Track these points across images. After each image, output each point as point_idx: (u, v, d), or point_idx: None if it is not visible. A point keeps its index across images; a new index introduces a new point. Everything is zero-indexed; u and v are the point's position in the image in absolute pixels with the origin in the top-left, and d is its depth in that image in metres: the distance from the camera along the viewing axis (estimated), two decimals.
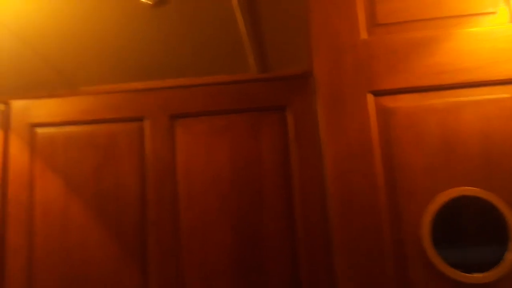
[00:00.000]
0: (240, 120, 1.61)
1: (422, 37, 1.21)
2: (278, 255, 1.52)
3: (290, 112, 1.59)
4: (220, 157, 1.59)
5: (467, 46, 1.20)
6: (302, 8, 1.31)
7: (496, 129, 1.15)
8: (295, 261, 1.51)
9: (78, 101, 1.65)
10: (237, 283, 1.52)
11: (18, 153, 1.63)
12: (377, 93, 1.20)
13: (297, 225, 1.53)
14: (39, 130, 1.64)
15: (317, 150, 1.39)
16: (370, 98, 1.19)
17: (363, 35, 1.24)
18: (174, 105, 1.62)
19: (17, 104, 1.65)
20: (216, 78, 1.70)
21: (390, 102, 1.19)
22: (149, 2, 1.61)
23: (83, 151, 1.62)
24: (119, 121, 1.63)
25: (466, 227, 1.13)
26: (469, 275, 1.09)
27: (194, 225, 1.58)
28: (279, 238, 1.53)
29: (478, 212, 1.13)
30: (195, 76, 2.03)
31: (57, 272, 1.59)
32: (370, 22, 1.25)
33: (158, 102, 1.63)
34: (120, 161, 1.62)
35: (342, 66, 1.21)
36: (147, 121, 1.62)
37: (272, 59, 2.09)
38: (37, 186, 1.62)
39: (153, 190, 1.59)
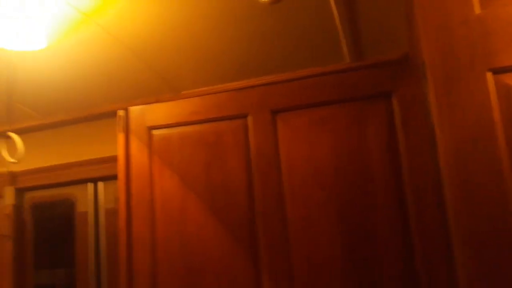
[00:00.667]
0: (341, 110, 1.58)
1: None
2: (390, 246, 1.47)
3: (395, 98, 1.52)
4: (322, 149, 1.59)
5: None
6: None
7: None
8: (410, 252, 1.45)
9: (188, 103, 1.76)
10: (347, 275, 1.50)
11: (138, 153, 1.79)
12: (497, 71, 1.09)
13: (409, 214, 1.46)
14: (155, 132, 1.79)
15: (428, 136, 1.31)
16: (489, 76, 1.09)
17: (476, 10, 1.14)
18: (274, 100, 1.65)
19: (135, 110, 1.81)
20: (313, 70, 1.69)
21: None
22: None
23: (194, 149, 1.73)
24: (225, 119, 1.70)
25: None
26: None
27: (300, 217, 1.59)
28: (390, 229, 1.48)
29: None
30: (291, 71, 2.04)
31: (177, 261, 1.71)
32: None
33: (259, 98, 1.67)
34: (227, 157, 1.69)
35: (455, 45, 1.12)
36: (250, 117, 1.67)
37: (366, 46, 2.01)
38: (156, 182, 1.77)
39: (259, 184, 1.64)
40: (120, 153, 1.79)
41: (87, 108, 2.45)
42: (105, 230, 2.82)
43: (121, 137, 1.80)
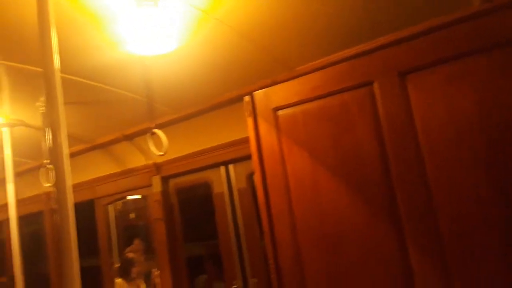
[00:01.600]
0: (481, 61, 1.40)
1: None
2: None
3: None
4: (463, 106, 1.43)
5: None
6: None
7: None
8: None
9: (307, 80, 1.74)
10: (500, 238, 1.36)
11: (266, 134, 1.85)
12: None
13: None
14: (280, 113, 1.81)
15: None
16: None
17: None
18: (401, 61, 1.53)
19: (259, 94, 1.87)
20: (440, 20, 1.51)
21: None
22: None
23: (320, 124, 1.71)
24: (348, 89, 1.64)
25: None
26: None
27: (443, 180, 1.47)
28: None
29: None
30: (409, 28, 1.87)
31: (314, 231, 1.74)
32: None
33: (383, 61, 1.57)
34: (355, 127, 1.64)
35: None
36: (376, 83, 1.59)
37: None
38: (286, 159, 1.80)
39: (393, 150, 1.55)
40: (251, 136, 1.87)
41: (212, 98, 2.61)
42: (240, 206, 3.02)
43: (250, 121, 1.87)
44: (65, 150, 1.23)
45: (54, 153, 1.22)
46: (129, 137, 3.17)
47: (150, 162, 3.32)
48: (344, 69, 1.67)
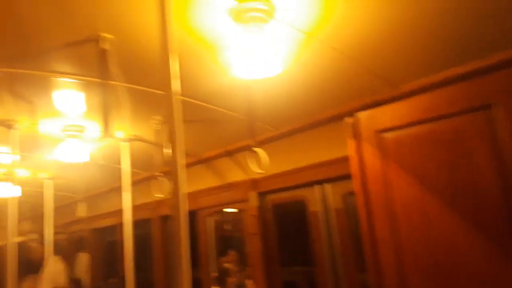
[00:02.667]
0: None
1: None
2: None
3: None
4: None
5: None
6: None
7: None
8: None
9: (416, 102, 1.65)
10: None
11: (370, 157, 1.79)
12: None
13: None
14: (385, 135, 1.74)
15: None
16: None
17: None
18: None
19: (362, 115, 1.82)
20: None
21: None
22: None
23: (430, 149, 1.60)
24: (463, 113, 1.52)
25: None
26: None
27: None
28: None
29: None
30: None
31: (423, 261, 1.62)
32: None
33: (507, 83, 1.43)
34: (471, 153, 1.50)
35: None
36: (496, 106, 1.44)
37: None
38: (393, 185, 1.71)
39: None
40: (353, 158, 1.82)
41: (310, 116, 2.61)
42: (337, 228, 2.93)
43: (351, 143, 1.83)
44: (182, 162, 1.33)
45: (173, 165, 1.31)
46: (230, 153, 3.32)
47: (248, 177, 3.42)
48: (458, 90, 1.55)
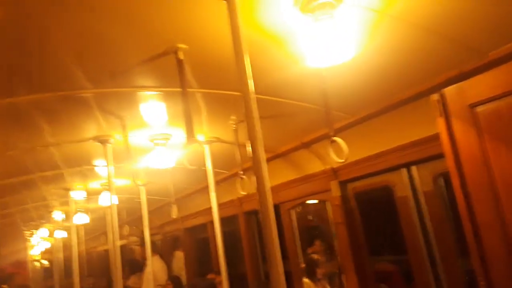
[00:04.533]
0: None
1: None
2: None
3: None
4: None
5: None
6: None
7: None
8: None
9: (510, 68, 1.48)
10: None
11: (462, 134, 1.64)
12: None
13: None
14: (479, 109, 1.59)
15: None
16: None
17: None
18: None
19: (450, 90, 1.67)
20: None
21: None
22: None
23: None
24: None
25: None
26: None
27: None
28: None
29: None
30: None
31: None
32: None
33: None
34: None
35: None
36: None
37: None
38: (491, 162, 1.55)
39: None
40: (444, 137, 1.68)
41: (389, 98, 2.47)
42: (428, 212, 2.75)
43: (441, 121, 1.69)
44: (263, 158, 1.36)
45: (255, 161, 1.35)
46: (306, 145, 3.28)
47: (328, 167, 3.36)
48: None
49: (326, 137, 2.98)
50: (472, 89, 1.60)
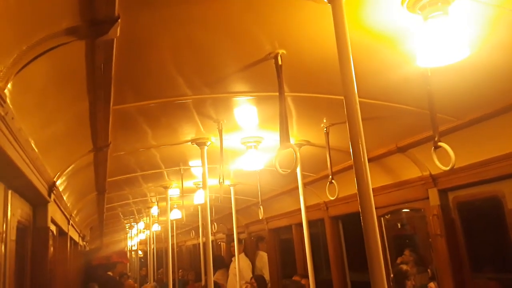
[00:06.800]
0: None
1: None
2: None
3: None
4: None
5: None
6: None
7: None
8: None
9: None
10: None
11: None
12: None
13: None
14: None
15: None
16: None
17: None
18: None
19: None
20: None
21: None
22: None
23: None
24: None
25: None
26: None
27: None
28: None
29: None
30: None
31: None
32: None
33: None
34: None
35: None
36: None
37: None
38: None
39: None
40: None
41: (503, 100, 2.22)
42: None
43: None
44: (365, 162, 1.35)
45: (357, 165, 1.35)
46: (402, 149, 3.09)
47: (426, 173, 3.13)
48: None
49: (425, 141, 2.78)
50: None
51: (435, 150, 1.99)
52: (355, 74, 1.34)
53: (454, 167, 2.75)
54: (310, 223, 4.71)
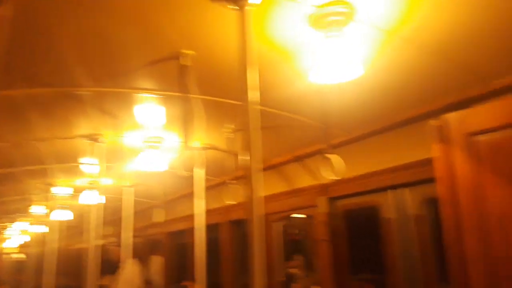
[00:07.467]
0: None
1: None
2: None
3: None
4: None
5: None
6: None
7: None
8: None
9: None
10: None
11: (460, 163, 1.63)
12: None
13: None
14: (479, 138, 1.58)
15: None
16: None
17: None
18: None
19: (452, 117, 1.67)
20: None
21: None
22: None
23: None
24: None
25: None
26: None
27: None
28: None
29: None
30: None
31: None
32: None
33: None
34: None
35: None
36: None
37: None
38: (487, 193, 1.54)
39: None
40: (439, 164, 1.68)
41: (387, 119, 2.48)
42: (417, 237, 2.73)
43: (438, 148, 1.69)
44: (258, 168, 1.34)
45: (251, 171, 1.32)
46: (299, 158, 3.26)
47: (318, 182, 3.34)
48: None
49: (320, 152, 2.97)
50: (474, 117, 1.60)
51: (325, 161, 2.14)
52: (259, 83, 1.36)
53: (343, 178, 3.05)
54: (214, 227, 4.71)
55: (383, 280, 2.91)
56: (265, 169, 3.57)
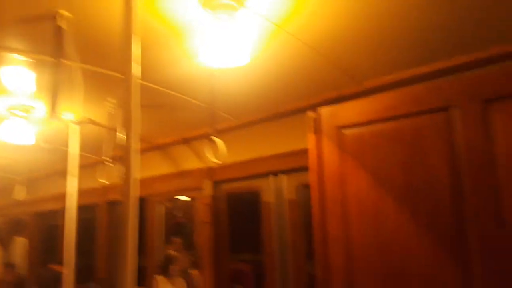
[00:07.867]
0: None
1: None
2: None
3: None
4: None
5: None
6: None
7: None
8: None
9: (379, 99, 1.66)
10: None
11: (329, 153, 1.79)
12: None
13: None
14: (346, 131, 1.74)
15: None
16: None
17: None
18: (487, 88, 1.42)
19: (325, 110, 1.81)
20: None
21: None
22: None
23: (390, 148, 1.62)
24: (423, 113, 1.54)
25: None
26: None
27: None
28: None
29: None
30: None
31: (373, 260, 1.64)
32: None
33: (465, 87, 1.46)
34: (428, 153, 1.53)
35: None
36: (454, 110, 1.47)
37: None
38: (348, 182, 1.72)
39: (469, 182, 1.44)
40: (312, 153, 1.81)
41: (272, 108, 2.58)
42: (289, 219, 2.95)
43: (312, 137, 1.82)
44: (136, 147, 1.25)
45: (126, 149, 1.24)
46: (187, 141, 3.21)
47: (204, 165, 3.35)
48: (420, 91, 1.58)
49: (207, 135, 2.97)
50: (343, 112, 1.76)
51: (209, 144, 2.14)
52: (144, 57, 1.28)
53: (226, 162, 3.11)
54: (88, 208, 4.39)
55: (261, 260, 3.09)
56: (151, 149, 3.44)
